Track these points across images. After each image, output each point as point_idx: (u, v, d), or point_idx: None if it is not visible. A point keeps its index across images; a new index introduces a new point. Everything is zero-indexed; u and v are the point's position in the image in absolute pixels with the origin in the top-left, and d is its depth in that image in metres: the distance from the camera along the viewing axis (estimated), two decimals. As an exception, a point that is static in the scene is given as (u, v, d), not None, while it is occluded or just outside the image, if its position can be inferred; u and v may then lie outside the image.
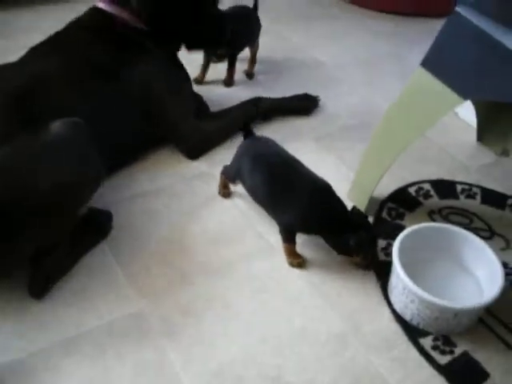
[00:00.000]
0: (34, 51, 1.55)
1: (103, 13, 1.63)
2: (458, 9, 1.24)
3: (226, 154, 1.71)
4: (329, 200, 1.36)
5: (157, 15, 1.63)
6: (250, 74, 2.23)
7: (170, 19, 1.66)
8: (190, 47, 1.80)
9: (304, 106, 2.00)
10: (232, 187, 1.60)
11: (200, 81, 2.14)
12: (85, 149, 1.30)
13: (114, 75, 1.55)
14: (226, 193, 1.60)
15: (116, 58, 1.57)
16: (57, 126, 1.26)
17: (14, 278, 1.31)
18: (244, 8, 2.15)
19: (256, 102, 1.90)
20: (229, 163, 1.54)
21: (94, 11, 1.65)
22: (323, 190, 1.37)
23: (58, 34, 1.61)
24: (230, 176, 1.54)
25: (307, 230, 1.40)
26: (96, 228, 1.45)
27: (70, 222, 1.30)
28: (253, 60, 2.24)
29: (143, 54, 1.62)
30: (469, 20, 1.21)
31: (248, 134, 1.52)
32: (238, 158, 1.48)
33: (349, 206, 1.38)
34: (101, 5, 1.64)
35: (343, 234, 1.31)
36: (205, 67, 2.14)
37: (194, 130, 1.73)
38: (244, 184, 1.47)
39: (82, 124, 1.30)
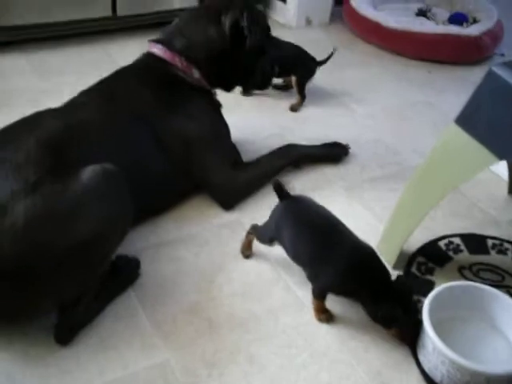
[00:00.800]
0: (80, 96, 1.58)
1: (156, 59, 1.66)
2: (494, 68, 1.23)
3: (254, 203, 1.73)
4: (369, 264, 1.34)
5: (218, 69, 1.72)
6: (293, 107, 2.32)
7: (229, 71, 1.75)
8: (245, 90, 1.98)
9: (334, 153, 2.00)
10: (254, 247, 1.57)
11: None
12: (115, 198, 1.30)
13: (155, 125, 1.57)
14: (248, 254, 1.56)
15: (160, 106, 1.60)
16: (87, 174, 1.25)
17: (40, 323, 1.31)
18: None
19: (288, 149, 1.90)
20: (259, 223, 1.51)
21: (147, 57, 1.69)
22: (364, 253, 1.35)
23: (108, 78, 1.65)
24: (264, 238, 1.50)
25: (343, 292, 1.37)
26: (123, 275, 1.45)
27: (96, 273, 1.30)
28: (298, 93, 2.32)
29: (188, 103, 1.65)
30: (505, 79, 1.21)
31: (282, 193, 1.47)
32: (275, 219, 1.45)
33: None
34: (155, 50, 1.67)
35: (382, 301, 1.29)
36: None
37: (230, 180, 1.73)
38: (283, 244, 1.43)
39: (114, 171, 1.30)
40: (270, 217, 1.47)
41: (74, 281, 1.24)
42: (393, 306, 1.27)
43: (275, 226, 1.44)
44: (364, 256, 1.35)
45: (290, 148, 1.91)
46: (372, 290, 1.30)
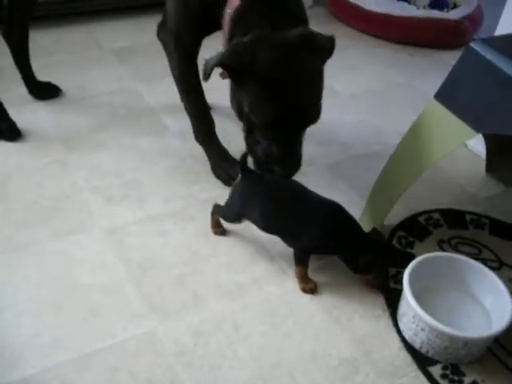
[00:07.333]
0: None
1: None
2: (472, 44, 1.27)
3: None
4: (342, 219, 1.38)
5: None
6: None
7: None
8: None
9: None
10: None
11: None
12: None
13: None
14: (220, 231, 1.58)
15: None
16: None
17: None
18: None
19: None
20: (221, 204, 1.52)
21: None
22: (336, 209, 1.39)
23: None
24: (230, 216, 1.50)
25: (325, 249, 1.41)
26: None
27: None
28: None
29: None
30: (482, 55, 1.24)
31: (245, 169, 1.45)
32: (240, 196, 1.44)
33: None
34: None
35: (358, 252, 1.35)
36: None
37: None
38: (251, 219, 1.44)
39: None
40: (233, 194, 1.46)
41: None
42: (366, 255, 1.34)
43: (241, 202, 1.44)
44: (336, 212, 1.39)
45: None
46: (349, 241, 1.36)
